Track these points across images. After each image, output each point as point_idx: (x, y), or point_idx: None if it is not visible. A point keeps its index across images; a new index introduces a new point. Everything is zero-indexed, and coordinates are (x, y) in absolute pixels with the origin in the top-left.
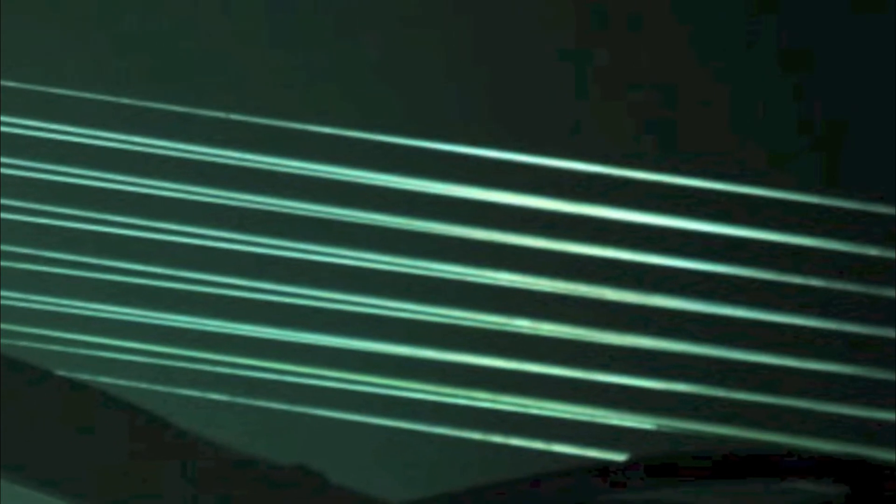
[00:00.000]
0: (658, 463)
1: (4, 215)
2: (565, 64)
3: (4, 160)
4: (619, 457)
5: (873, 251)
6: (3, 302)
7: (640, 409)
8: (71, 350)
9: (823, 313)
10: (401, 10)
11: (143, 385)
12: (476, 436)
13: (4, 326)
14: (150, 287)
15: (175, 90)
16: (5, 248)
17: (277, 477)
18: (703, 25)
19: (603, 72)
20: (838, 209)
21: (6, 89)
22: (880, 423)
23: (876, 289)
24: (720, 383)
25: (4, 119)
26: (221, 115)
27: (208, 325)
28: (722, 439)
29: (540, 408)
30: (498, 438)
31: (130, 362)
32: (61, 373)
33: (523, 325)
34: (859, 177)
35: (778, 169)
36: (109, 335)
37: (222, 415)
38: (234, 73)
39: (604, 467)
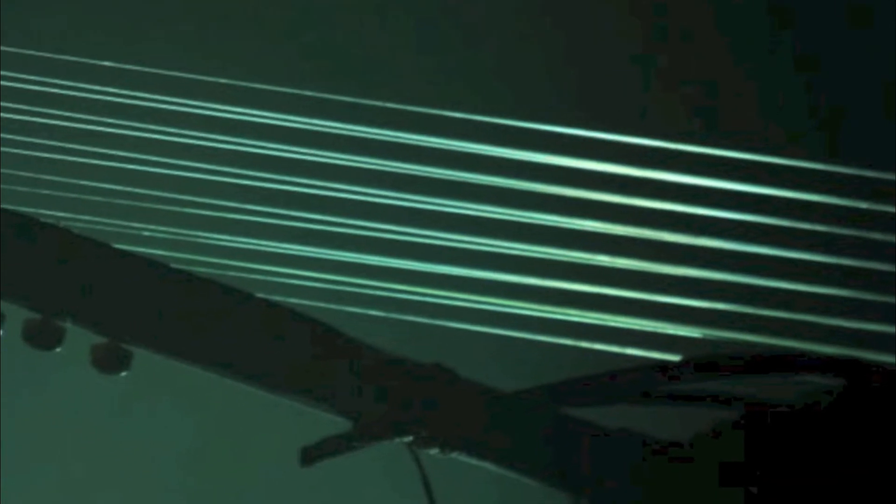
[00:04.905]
0: (704, 362)
1: (215, 178)
2: (634, 66)
3: (215, 137)
4: (674, 357)
5: (864, 205)
6: (216, 242)
7: (690, 322)
8: (267, 278)
9: (826, 250)
10: (512, 24)
11: (320, 304)
12: (568, 342)
13: (218, 260)
14: (326, 231)
15: (344, 84)
16: (220, 202)
17: (420, 372)
18: (737, 36)
19: (662, 71)
20: (838, 173)
21: (217, 85)
22: (869, 333)
23: (866, 232)
24: (749, 303)
25: (214, 106)
26: (379, 103)
27: (368, 260)
28: (751, 344)
29: (616, 321)
30: (585, 344)
31: (311, 287)
32: (260, 295)
33: (603, 259)
34: (854, 149)
35: (793, 143)
36: (295, 267)
37: (379, 327)
38: (389, 72)
39: (663, 365)
